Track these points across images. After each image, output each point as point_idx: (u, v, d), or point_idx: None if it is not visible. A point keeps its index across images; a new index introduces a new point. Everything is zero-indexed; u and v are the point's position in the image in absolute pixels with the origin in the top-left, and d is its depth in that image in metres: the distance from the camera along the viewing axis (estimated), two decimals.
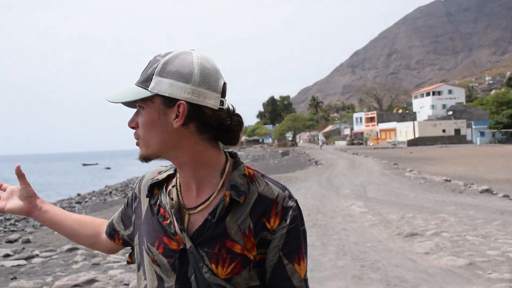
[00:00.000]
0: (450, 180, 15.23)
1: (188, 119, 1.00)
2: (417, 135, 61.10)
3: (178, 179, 1.12)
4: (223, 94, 1.05)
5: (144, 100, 1.02)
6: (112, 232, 1.27)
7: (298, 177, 19.86)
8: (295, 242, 1.06)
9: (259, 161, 41.78)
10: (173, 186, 1.12)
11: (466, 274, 5.14)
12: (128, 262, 1.28)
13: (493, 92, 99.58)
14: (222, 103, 1.04)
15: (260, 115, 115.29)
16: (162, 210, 1.09)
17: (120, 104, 1.06)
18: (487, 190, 12.50)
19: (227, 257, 1.01)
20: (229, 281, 1.01)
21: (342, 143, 74.95)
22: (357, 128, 79.20)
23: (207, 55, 1.06)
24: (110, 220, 1.30)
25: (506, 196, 11.71)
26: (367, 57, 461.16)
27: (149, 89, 1.00)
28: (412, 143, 59.46)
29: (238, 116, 1.07)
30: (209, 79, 1.02)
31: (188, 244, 1.02)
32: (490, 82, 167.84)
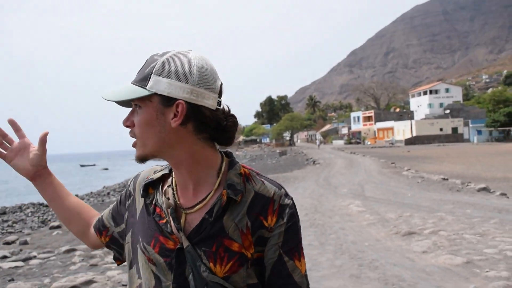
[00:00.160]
0: (447, 179, 15.25)
1: (186, 119, 1.00)
2: (414, 134, 61.23)
3: (174, 179, 1.12)
4: (220, 94, 1.06)
5: (141, 99, 1.02)
6: (101, 228, 1.25)
7: (296, 177, 19.87)
8: (295, 239, 1.07)
9: (257, 161, 41.78)
10: (168, 186, 1.12)
11: (464, 273, 5.16)
12: (118, 264, 1.27)
13: (490, 90, 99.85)
14: (219, 103, 1.05)
15: (258, 114, 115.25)
16: (158, 210, 1.09)
17: (114, 103, 1.05)
18: (484, 189, 12.52)
19: (225, 255, 1.02)
20: (227, 279, 1.02)
21: (340, 143, 75.02)
22: (355, 127, 79.30)
23: (204, 55, 1.06)
24: (100, 215, 1.29)
25: (503, 194, 11.73)
26: (364, 56, 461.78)
27: (147, 88, 1.00)
28: (410, 142, 59.60)
29: (234, 116, 1.08)
30: (208, 79, 1.02)
31: (185, 243, 1.03)
32: (487, 80, 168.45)
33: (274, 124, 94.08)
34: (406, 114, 72.89)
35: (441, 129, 63.06)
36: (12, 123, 1.23)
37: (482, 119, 62.96)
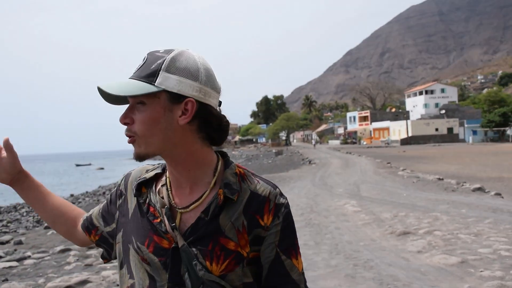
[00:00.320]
0: (442, 179, 15.30)
1: (193, 117, 1.01)
2: (410, 134, 61.43)
3: (168, 178, 1.11)
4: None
5: (148, 95, 0.99)
6: (89, 227, 1.24)
7: (292, 177, 19.89)
8: (291, 238, 1.08)
9: (253, 160, 41.80)
10: (162, 185, 1.11)
11: (458, 272, 5.18)
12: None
13: (485, 91, 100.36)
14: (220, 103, 1.07)
15: (254, 114, 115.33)
16: (152, 209, 1.08)
17: (102, 99, 1.03)
18: (479, 189, 12.57)
19: (221, 254, 1.02)
20: (223, 278, 1.02)
21: (336, 142, 75.18)
22: (351, 127, 79.49)
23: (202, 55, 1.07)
24: (89, 214, 1.27)
25: (498, 194, 11.79)
26: (360, 56, 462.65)
27: (156, 84, 0.98)
28: (405, 142, 59.79)
29: (226, 116, 1.09)
30: (212, 78, 1.04)
31: (181, 242, 1.02)
32: (482, 81, 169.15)
33: (270, 124, 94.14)
34: (401, 114, 73.13)
35: (436, 129, 63.31)
36: (7, 147, 1.20)
37: (477, 119, 63.29)
